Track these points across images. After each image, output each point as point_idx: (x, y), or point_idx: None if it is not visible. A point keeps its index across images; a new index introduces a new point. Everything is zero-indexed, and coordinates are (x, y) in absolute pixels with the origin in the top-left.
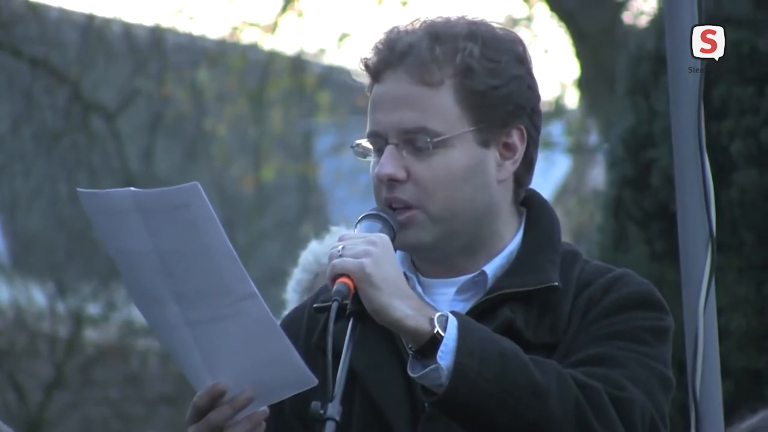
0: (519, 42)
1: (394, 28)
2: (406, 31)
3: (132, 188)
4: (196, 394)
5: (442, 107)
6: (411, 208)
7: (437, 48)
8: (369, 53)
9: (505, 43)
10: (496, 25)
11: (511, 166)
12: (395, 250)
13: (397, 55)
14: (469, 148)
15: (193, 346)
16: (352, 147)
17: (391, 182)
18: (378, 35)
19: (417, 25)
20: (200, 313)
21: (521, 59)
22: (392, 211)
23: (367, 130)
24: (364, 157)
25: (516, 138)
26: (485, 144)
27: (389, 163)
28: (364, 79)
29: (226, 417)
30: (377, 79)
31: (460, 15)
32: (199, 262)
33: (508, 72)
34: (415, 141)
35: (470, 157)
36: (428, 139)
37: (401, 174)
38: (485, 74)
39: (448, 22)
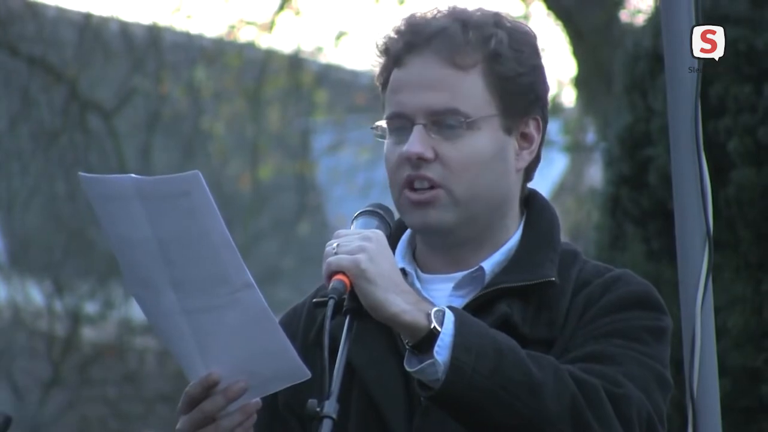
0: (534, 35)
1: (413, 14)
2: (431, 17)
3: (133, 175)
4: (189, 383)
5: (471, 90)
6: (434, 187)
7: (470, 32)
8: (389, 38)
9: (526, 35)
10: (511, 19)
11: (528, 156)
12: (398, 244)
13: (424, 38)
14: (494, 133)
15: (188, 334)
16: (371, 128)
17: (418, 161)
18: (396, 21)
19: (437, 12)
20: (197, 301)
21: (538, 52)
22: (412, 191)
23: (389, 112)
24: (383, 139)
25: (533, 128)
26: (508, 131)
27: (418, 142)
28: (374, 67)
29: (219, 407)
30: (399, 63)
31: (477, 8)
32: (197, 251)
33: (530, 62)
34: (444, 122)
35: (496, 142)
36: (461, 119)
37: (429, 153)
38: (513, 61)
39: (468, 11)
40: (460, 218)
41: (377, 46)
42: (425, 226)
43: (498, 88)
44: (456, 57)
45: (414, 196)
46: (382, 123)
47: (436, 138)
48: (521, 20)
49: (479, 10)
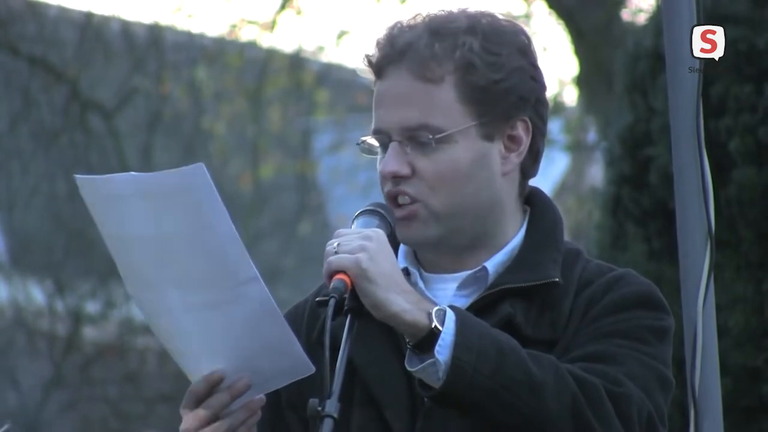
0: (522, 33)
1: (396, 23)
2: (407, 27)
3: (133, 172)
4: (192, 381)
5: (443, 103)
6: (415, 202)
7: (436, 44)
8: (371, 50)
9: (506, 35)
10: (500, 16)
11: (516, 159)
12: (400, 244)
13: (397, 51)
14: (472, 142)
15: (192, 332)
16: (357, 144)
17: (396, 178)
18: (380, 31)
19: (418, 20)
20: (201, 297)
21: (523, 51)
22: (398, 206)
23: (372, 128)
24: (370, 154)
25: (521, 130)
26: (489, 138)
27: (393, 160)
28: (369, 75)
29: (223, 404)
30: (380, 76)
31: (461, 8)
32: (201, 245)
33: (509, 64)
34: (418, 137)
35: (474, 151)
36: (430, 136)
37: (405, 170)
38: (486, 68)
39: (448, 17)
40: (443, 231)
41: (364, 59)
42: (410, 241)
43: (472, 98)
44: (425, 71)
45: (398, 212)
46: (369, 138)
47: (412, 153)
48: (522, 19)
49: (460, 14)
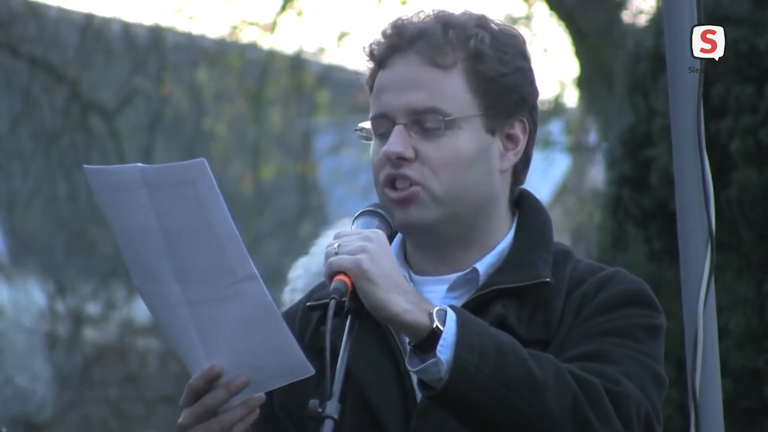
0: (521, 38)
1: (399, 18)
2: (415, 20)
3: (140, 164)
4: (192, 376)
5: (452, 89)
6: (414, 185)
7: (450, 32)
8: (375, 40)
9: (511, 37)
10: (498, 21)
11: (513, 157)
12: (396, 229)
13: (407, 39)
14: (476, 132)
15: (191, 327)
16: (356, 130)
17: (399, 160)
18: (383, 24)
19: (423, 15)
20: (201, 293)
21: (524, 54)
22: (394, 190)
23: (373, 113)
24: (368, 140)
25: (518, 129)
26: (491, 131)
27: (398, 142)
28: (367, 69)
29: (221, 400)
30: (383, 65)
31: (464, 10)
32: (201, 240)
33: (514, 63)
34: (425, 121)
35: (477, 141)
36: (440, 118)
37: (410, 153)
38: (495, 61)
39: (454, 14)
40: (441, 216)
41: (364, 50)
42: (407, 224)
43: (480, 88)
44: (436, 57)
45: (394, 194)
46: (366, 124)
47: (417, 137)
48: (523, 21)
49: (466, 12)
